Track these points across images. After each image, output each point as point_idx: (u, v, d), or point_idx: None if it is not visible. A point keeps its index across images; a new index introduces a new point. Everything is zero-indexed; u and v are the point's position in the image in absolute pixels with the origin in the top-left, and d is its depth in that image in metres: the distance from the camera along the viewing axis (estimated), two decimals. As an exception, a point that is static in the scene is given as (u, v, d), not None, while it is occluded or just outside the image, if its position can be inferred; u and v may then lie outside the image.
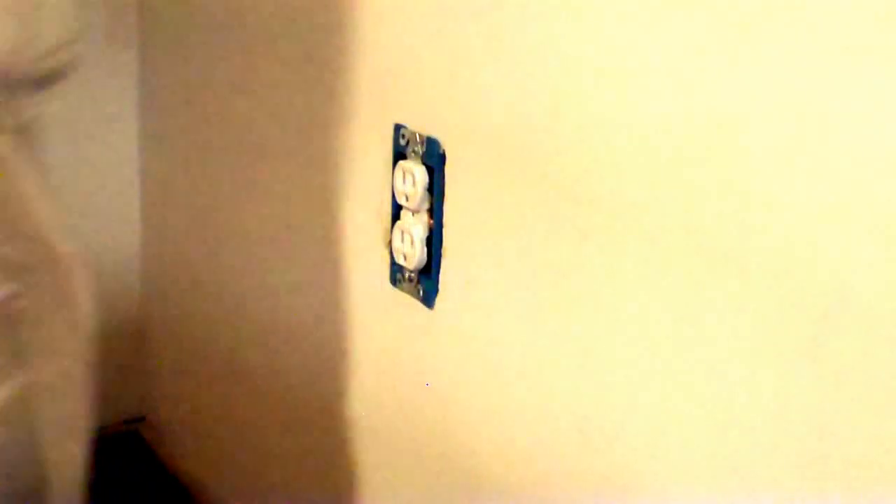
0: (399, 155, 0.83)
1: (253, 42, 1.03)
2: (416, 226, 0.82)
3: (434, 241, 0.82)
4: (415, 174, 0.81)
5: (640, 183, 0.65)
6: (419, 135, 0.81)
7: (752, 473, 0.61)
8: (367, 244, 0.90)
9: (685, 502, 0.65)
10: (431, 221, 0.82)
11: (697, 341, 0.63)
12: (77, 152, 1.23)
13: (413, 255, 0.83)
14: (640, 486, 0.68)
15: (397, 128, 0.83)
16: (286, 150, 1.00)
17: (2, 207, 0.73)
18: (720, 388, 0.62)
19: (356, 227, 0.91)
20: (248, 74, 1.04)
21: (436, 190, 0.81)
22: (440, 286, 0.82)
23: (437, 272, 0.82)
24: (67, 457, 0.80)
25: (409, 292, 0.85)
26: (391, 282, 0.87)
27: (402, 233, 0.83)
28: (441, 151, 0.80)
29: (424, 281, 0.83)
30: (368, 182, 0.88)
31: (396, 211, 0.85)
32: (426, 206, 0.82)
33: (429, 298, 0.83)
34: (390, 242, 0.86)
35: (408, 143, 0.82)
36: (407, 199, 0.82)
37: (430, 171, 0.81)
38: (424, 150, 0.81)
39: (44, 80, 0.73)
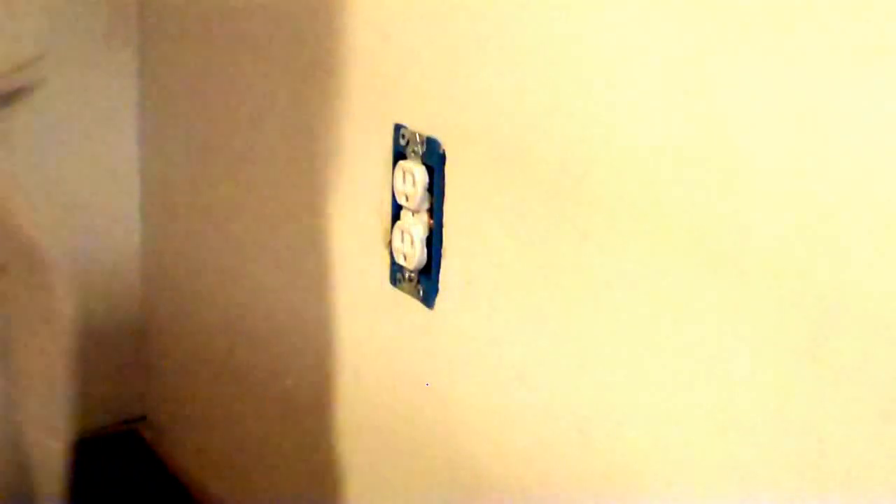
0: (399, 155, 0.83)
1: (253, 42, 1.03)
2: (416, 226, 0.82)
3: (434, 241, 0.82)
4: (415, 174, 0.81)
5: (640, 183, 0.65)
6: (419, 135, 0.81)
7: (751, 473, 0.61)
8: (367, 244, 0.90)
9: (685, 502, 0.65)
10: (431, 221, 0.82)
11: (697, 341, 0.63)
12: (77, 152, 1.22)
13: (413, 255, 0.83)
14: (640, 486, 0.68)
15: (397, 128, 0.83)
16: (286, 150, 1.00)
17: None
18: (720, 388, 0.62)
19: (356, 227, 0.91)
20: (248, 74, 1.04)
21: (436, 190, 0.81)
22: (440, 286, 0.82)
23: (437, 272, 0.82)
24: (50, 456, 0.80)
25: (409, 292, 0.85)
26: (391, 282, 0.87)
27: (402, 233, 0.83)
28: (441, 151, 0.80)
29: (424, 281, 0.83)
30: (368, 182, 0.88)
31: (396, 211, 0.85)
32: (426, 206, 0.82)
33: (429, 298, 0.83)
34: (390, 242, 0.86)
35: (408, 142, 0.82)
36: (407, 199, 0.82)
37: (430, 171, 0.81)
38: (424, 149, 0.81)
39: (9, 97, 0.73)
